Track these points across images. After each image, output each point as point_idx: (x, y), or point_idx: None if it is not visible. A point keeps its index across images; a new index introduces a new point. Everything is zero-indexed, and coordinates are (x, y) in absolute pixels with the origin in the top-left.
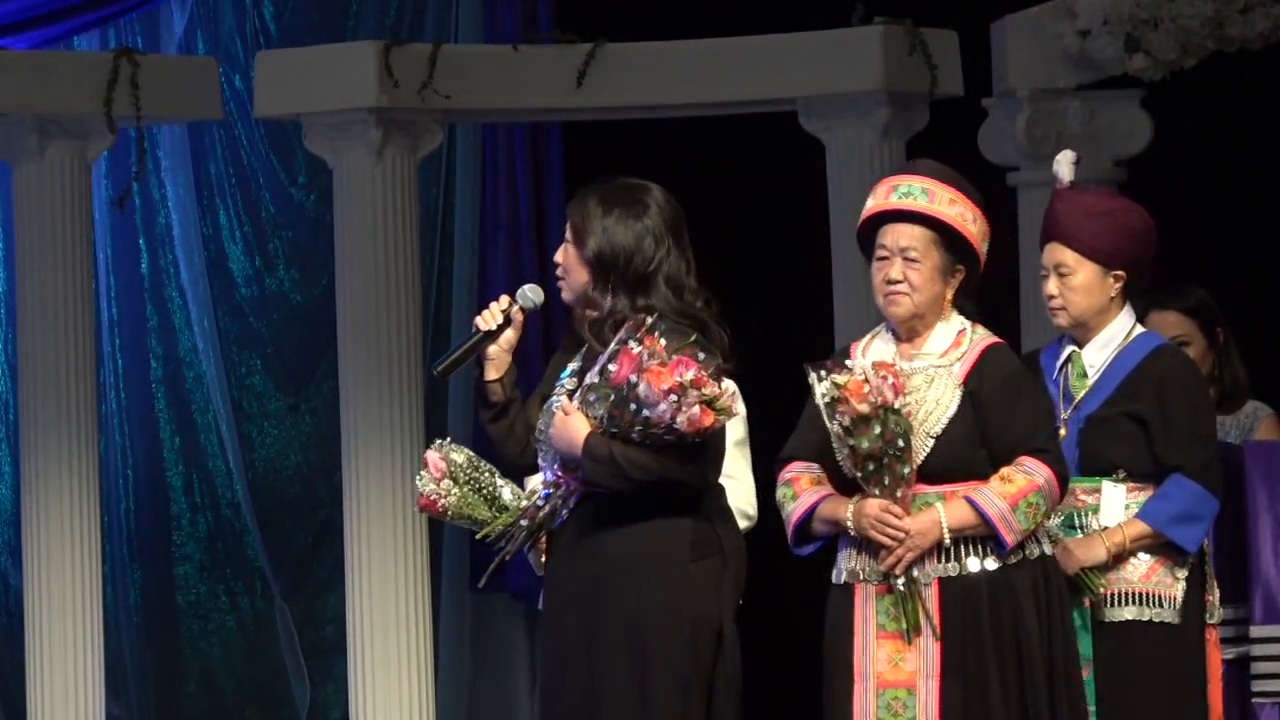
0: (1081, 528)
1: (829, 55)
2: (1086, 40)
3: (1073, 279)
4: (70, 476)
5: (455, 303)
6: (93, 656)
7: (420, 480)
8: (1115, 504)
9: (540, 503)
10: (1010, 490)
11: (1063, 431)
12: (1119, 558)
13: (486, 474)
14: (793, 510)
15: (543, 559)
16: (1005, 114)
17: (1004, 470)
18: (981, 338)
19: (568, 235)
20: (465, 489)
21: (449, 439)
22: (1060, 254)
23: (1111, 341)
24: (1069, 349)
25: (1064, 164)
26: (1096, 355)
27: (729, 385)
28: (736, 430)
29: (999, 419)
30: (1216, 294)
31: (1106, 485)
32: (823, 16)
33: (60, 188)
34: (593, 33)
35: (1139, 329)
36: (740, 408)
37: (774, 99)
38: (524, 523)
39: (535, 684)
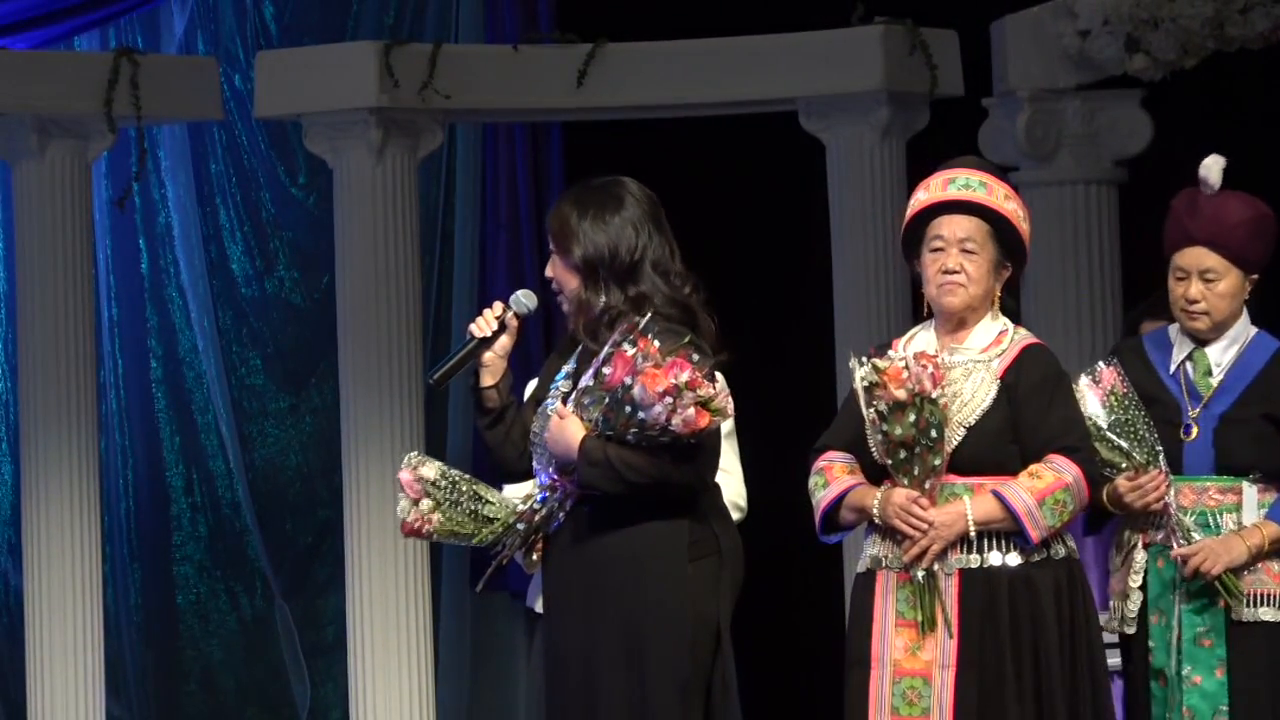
0: (1216, 527)
1: (829, 55)
2: (1087, 40)
3: (1219, 284)
4: (70, 476)
5: (455, 303)
6: (93, 656)
7: (400, 507)
8: (1252, 504)
9: (537, 506)
10: (1038, 486)
11: (1194, 430)
12: (1256, 558)
13: (464, 484)
14: (822, 498)
15: (534, 556)
16: (1005, 114)
17: (1033, 467)
18: (1022, 337)
19: (551, 247)
20: (445, 506)
21: (415, 452)
22: (1207, 259)
23: (1237, 340)
24: (1188, 346)
25: (1214, 169)
26: (1222, 354)
27: (720, 382)
28: (725, 423)
29: (1032, 416)
30: None
31: (1246, 486)
32: (823, 16)
33: (60, 188)
34: (593, 33)
35: (1253, 328)
36: (730, 407)
37: (774, 99)
38: (521, 526)
39: (534, 686)
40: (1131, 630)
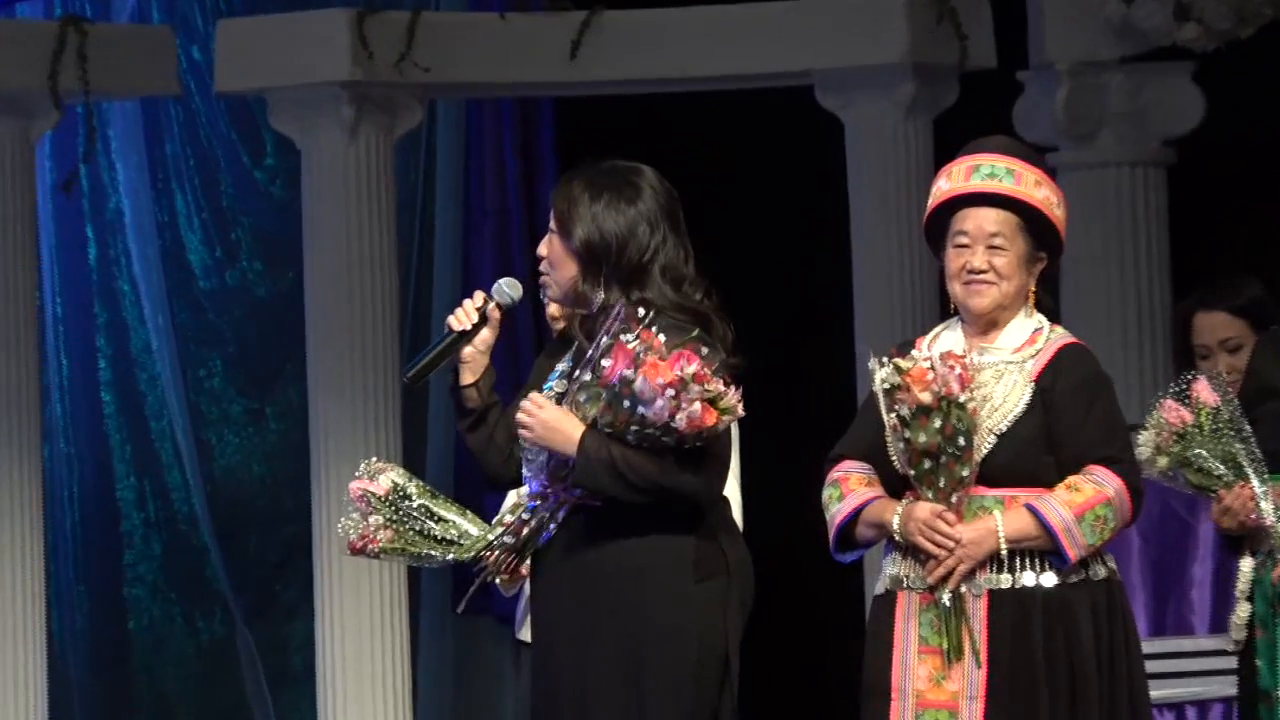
0: None
1: (848, 24)
2: (1132, 8)
3: None
4: (11, 489)
5: (436, 298)
6: (35, 686)
7: (345, 523)
8: None
9: (525, 516)
10: (1077, 500)
11: None
12: None
13: (417, 497)
14: (837, 512)
15: (499, 580)
16: (1042, 89)
17: (1071, 479)
18: (1059, 336)
19: (552, 225)
20: (395, 523)
21: (373, 459)
22: None
23: None
24: None
25: None
26: None
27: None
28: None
29: (1070, 422)
30: (1275, 287)
31: None
32: None
33: (0, 170)
34: None
35: None
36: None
37: (787, 72)
38: (508, 540)
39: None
40: (1239, 646)
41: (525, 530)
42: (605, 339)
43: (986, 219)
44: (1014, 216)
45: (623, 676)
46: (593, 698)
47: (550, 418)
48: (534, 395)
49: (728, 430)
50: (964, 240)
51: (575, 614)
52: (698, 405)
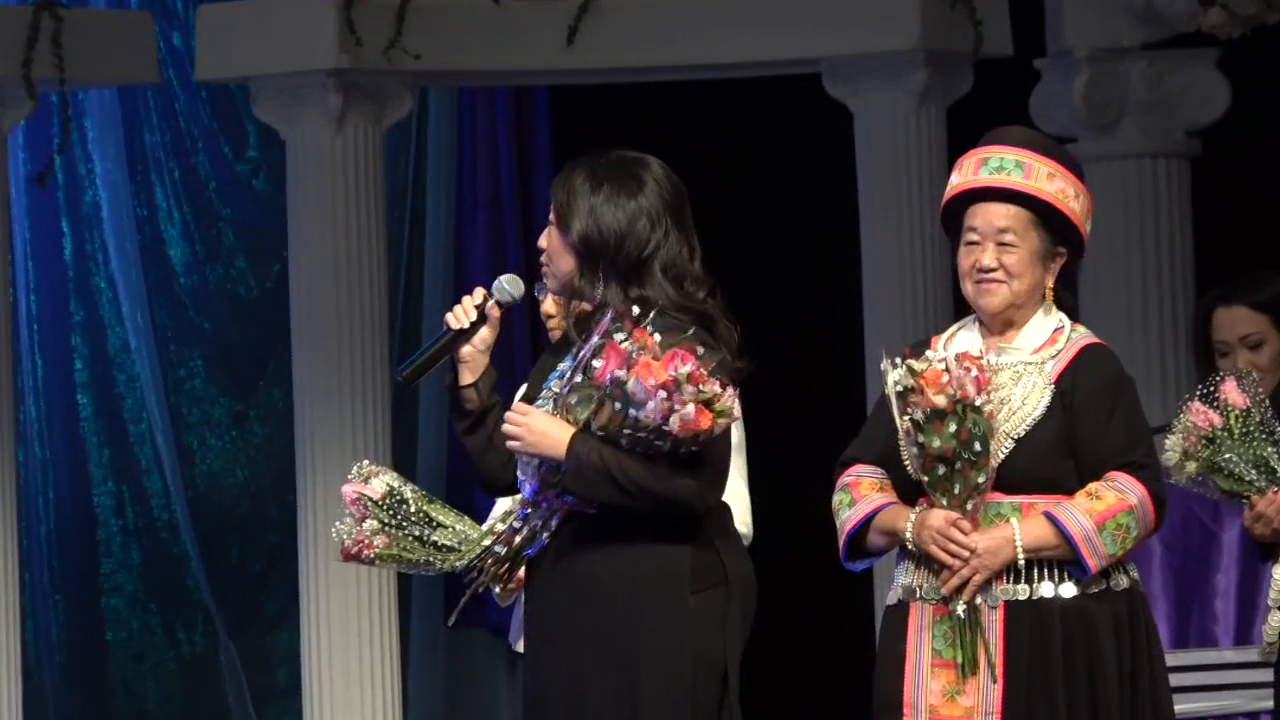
0: None
1: (858, 9)
2: None
3: None
4: None
5: (427, 294)
6: (10, 701)
7: (338, 528)
8: None
9: (516, 524)
10: (1098, 508)
11: None
12: None
13: (414, 503)
14: (847, 518)
15: (497, 590)
16: (1061, 77)
17: (1092, 486)
18: (1080, 336)
19: (551, 217)
20: (390, 528)
21: (365, 462)
22: None
23: None
24: None
25: None
26: None
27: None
28: (731, 435)
29: (1092, 427)
30: None
31: None
32: None
33: None
34: None
35: None
36: (736, 410)
37: (794, 59)
38: (499, 549)
39: None
40: (1271, 656)
41: (517, 539)
42: (596, 338)
43: (995, 215)
44: (1025, 211)
45: (615, 691)
46: (585, 712)
47: (537, 424)
48: (518, 404)
49: (726, 434)
50: (974, 237)
51: (567, 625)
52: (691, 408)
